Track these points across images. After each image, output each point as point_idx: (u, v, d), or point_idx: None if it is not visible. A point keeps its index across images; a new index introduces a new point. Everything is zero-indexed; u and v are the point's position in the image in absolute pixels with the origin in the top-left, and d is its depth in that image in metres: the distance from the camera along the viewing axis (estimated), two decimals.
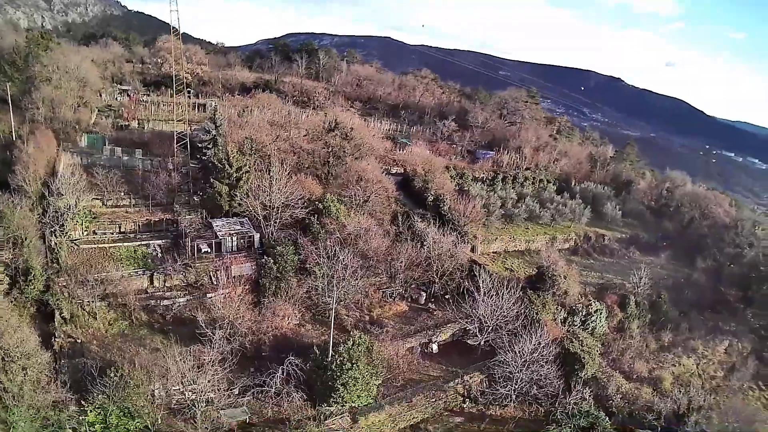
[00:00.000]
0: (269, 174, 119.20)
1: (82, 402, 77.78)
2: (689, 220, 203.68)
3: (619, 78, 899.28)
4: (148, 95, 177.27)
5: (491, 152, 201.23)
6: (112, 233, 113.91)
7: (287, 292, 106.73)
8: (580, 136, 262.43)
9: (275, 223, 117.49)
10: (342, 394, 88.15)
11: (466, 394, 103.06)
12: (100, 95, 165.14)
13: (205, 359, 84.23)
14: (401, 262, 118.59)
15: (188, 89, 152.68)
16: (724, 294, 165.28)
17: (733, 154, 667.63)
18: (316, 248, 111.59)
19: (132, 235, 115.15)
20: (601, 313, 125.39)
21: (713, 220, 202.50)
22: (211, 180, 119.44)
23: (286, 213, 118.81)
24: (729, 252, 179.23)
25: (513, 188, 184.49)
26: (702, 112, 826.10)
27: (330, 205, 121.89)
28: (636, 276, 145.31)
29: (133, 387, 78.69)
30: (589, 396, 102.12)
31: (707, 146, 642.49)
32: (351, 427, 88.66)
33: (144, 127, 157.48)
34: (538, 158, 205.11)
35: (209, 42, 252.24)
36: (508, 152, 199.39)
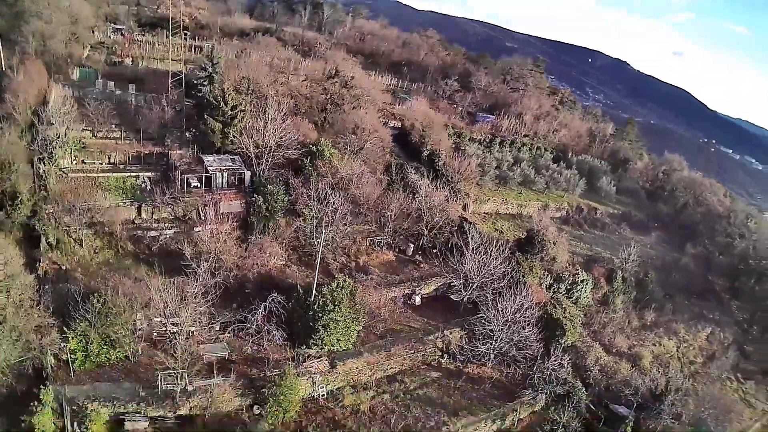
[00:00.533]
0: (264, 114, 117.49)
1: (65, 328, 77.35)
2: (683, 205, 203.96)
3: (625, 61, 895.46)
4: (143, 35, 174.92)
5: (491, 116, 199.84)
6: (102, 164, 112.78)
7: (275, 232, 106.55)
8: (582, 111, 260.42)
9: (267, 162, 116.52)
10: (322, 336, 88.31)
11: (445, 349, 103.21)
12: (93, 32, 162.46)
13: (188, 292, 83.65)
14: (392, 211, 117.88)
15: (185, 31, 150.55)
16: (711, 282, 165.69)
17: (731, 151, 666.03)
18: (306, 190, 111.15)
19: (121, 167, 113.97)
20: (586, 284, 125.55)
21: (707, 207, 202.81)
22: (205, 116, 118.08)
23: (279, 153, 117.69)
24: (720, 241, 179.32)
25: (510, 152, 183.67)
26: (704, 105, 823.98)
27: (324, 149, 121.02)
28: (625, 251, 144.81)
29: (115, 315, 78.48)
30: (568, 364, 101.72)
31: (706, 139, 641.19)
32: (328, 372, 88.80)
33: (138, 65, 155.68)
34: (538, 126, 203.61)
35: None
36: (508, 117, 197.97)
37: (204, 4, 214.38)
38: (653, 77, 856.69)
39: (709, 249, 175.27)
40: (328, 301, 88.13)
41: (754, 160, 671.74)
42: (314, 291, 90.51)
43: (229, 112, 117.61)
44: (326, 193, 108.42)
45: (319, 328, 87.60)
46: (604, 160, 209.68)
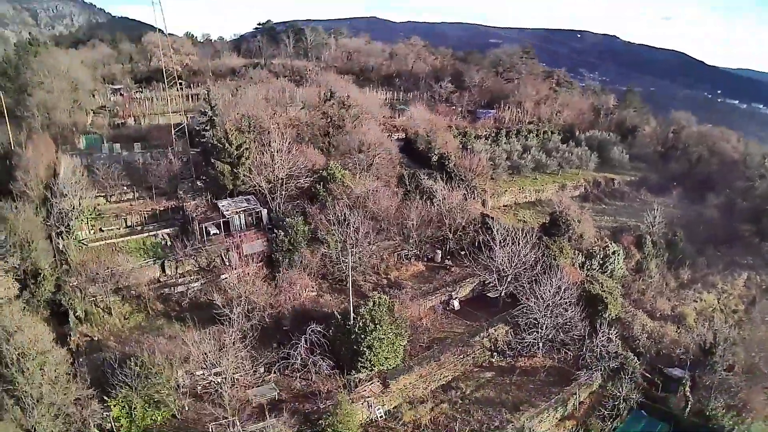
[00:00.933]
0: (270, 147, 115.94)
1: (105, 397, 75.42)
2: (697, 159, 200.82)
3: (614, 36, 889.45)
4: (141, 91, 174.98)
5: (492, 111, 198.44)
6: (119, 228, 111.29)
7: (301, 263, 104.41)
8: (580, 90, 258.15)
9: (281, 195, 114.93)
10: (369, 357, 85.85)
11: (493, 347, 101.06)
12: (93, 96, 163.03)
13: (225, 339, 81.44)
14: (413, 220, 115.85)
15: (179, 80, 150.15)
16: (738, 228, 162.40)
17: (737, 101, 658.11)
18: (325, 216, 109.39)
19: (139, 228, 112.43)
20: (618, 255, 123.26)
21: (721, 156, 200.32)
22: (212, 161, 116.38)
23: (291, 184, 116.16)
24: (739, 186, 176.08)
25: (518, 141, 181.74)
26: (702, 62, 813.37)
27: (335, 172, 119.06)
28: (650, 216, 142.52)
29: (155, 375, 76.50)
30: (616, 337, 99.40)
31: (710, 95, 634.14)
32: (382, 392, 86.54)
33: (141, 123, 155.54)
34: (540, 112, 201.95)
35: (194, 36, 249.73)
36: (509, 108, 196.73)
37: (192, 50, 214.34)
38: (646, 45, 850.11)
39: (730, 196, 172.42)
40: (367, 321, 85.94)
41: (761, 106, 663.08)
42: (352, 314, 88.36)
43: (235, 152, 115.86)
44: (345, 215, 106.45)
45: (364, 350, 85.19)
46: (612, 132, 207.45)
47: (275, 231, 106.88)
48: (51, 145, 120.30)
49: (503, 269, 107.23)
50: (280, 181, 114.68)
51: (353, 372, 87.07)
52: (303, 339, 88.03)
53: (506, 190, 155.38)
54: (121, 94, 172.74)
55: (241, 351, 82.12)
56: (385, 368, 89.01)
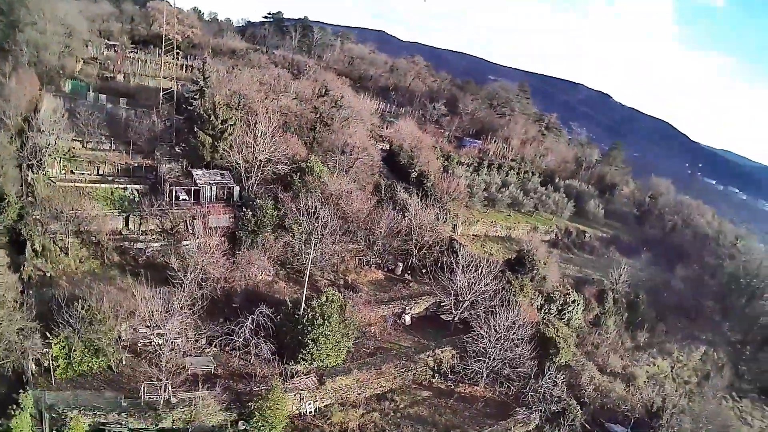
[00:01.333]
0: (255, 128, 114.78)
1: (47, 333, 73.99)
2: (671, 227, 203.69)
3: (607, 94, 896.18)
4: (136, 52, 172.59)
5: (478, 141, 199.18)
6: (90, 174, 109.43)
7: (263, 246, 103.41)
8: (567, 139, 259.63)
9: (256, 177, 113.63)
10: (311, 350, 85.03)
11: (436, 368, 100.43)
12: (87, 47, 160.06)
13: (174, 303, 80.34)
14: (381, 227, 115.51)
15: (177, 50, 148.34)
16: (703, 303, 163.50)
17: (714, 182, 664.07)
18: (296, 205, 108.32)
19: (110, 178, 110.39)
20: (578, 304, 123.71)
21: (695, 229, 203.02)
22: (195, 129, 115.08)
23: (269, 168, 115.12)
24: (709, 262, 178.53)
25: (498, 175, 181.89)
26: (686, 136, 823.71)
27: (314, 166, 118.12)
28: (615, 272, 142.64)
29: (99, 322, 75.31)
30: (562, 382, 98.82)
31: (690, 171, 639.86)
32: (317, 388, 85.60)
33: (130, 81, 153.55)
34: (525, 151, 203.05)
35: (201, 11, 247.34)
36: (495, 141, 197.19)
37: (196, 23, 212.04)
38: (635, 110, 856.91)
39: (698, 271, 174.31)
40: (317, 315, 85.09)
41: (737, 190, 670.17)
42: (303, 305, 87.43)
43: (219, 126, 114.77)
44: (316, 208, 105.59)
45: (309, 342, 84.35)
46: (591, 185, 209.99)
47: (244, 209, 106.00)
48: (36, 82, 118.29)
49: (461, 294, 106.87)
50: (258, 162, 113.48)
51: (292, 362, 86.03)
52: (250, 319, 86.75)
53: (478, 220, 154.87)
54: (115, 51, 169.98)
55: (188, 317, 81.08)
56: (325, 365, 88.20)
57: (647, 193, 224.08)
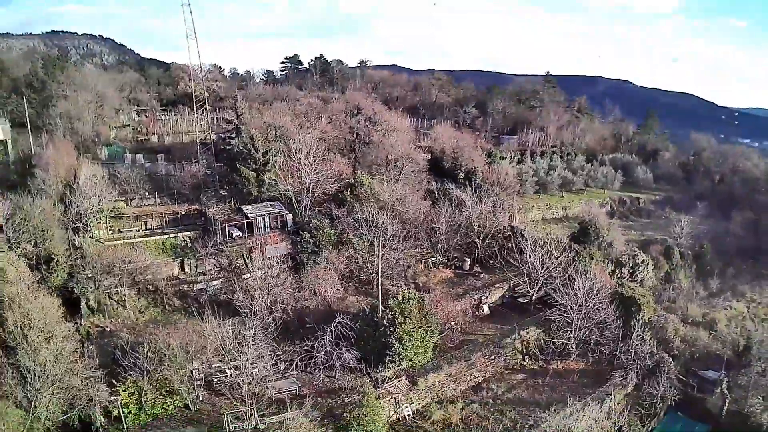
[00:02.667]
0: (297, 154, 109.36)
1: (113, 381, 67.77)
2: (720, 178, 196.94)
3: (627, 80, 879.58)
4: (166, 113, 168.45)
5: (515, 136, 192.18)
6: (138, 230, 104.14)
7: (326, 263, 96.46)
8: (599, 120, 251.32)
9: (307, 200, 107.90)
10: (397, 351, 77.65)
11: (524, 350, 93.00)
12: (118, 114, 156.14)
13: (245, 334, 73.08)
14: (442, 224, 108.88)
15: (205, 104, 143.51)
16: (764, 242, 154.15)
17: (749, 140, 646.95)
18: (353, 219, 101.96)
19: (159, 231, 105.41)
20: (647, 264, 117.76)
21: (744, 174, 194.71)
22: (238, 166, 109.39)
23: (317, 190, 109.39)
24: (763, 202, 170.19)
25: (543, 161, 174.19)
26: (713, 103, 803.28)
27: (362, 180, 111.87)
28: (677, 228, 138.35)
29: (168, 360, 68.62)
30: (650, 339, 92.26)
31: (722, 135, 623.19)
32: (410, 390, 78.12)
33: (164, 140, 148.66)
34: (563, 136, 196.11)
35: (221, 67, 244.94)
36: (532, 132, 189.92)
37: (219, 77, 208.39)
38: (658, 89, 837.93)
39: (755, 212, 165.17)
40: (397, 314, 78.13)
41: None
42: (380, 307, 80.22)
43: (261, 159, 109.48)
44: (373, 216, 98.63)
45: (393, 342, 77.24)
46: (634, 155, 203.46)
47: (300, 233, 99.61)
48: (72, 150, 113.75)
49: (534, 272, 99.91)
50: (306, 186, 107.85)
51: (380, 366, 78.63)
52: (329, 331, 79.42)
53: (533, 206, 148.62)
54: (146, 115, 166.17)
55: (262, 343, 73.87)
56: (414, 363, 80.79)
57: (690, 152, 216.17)
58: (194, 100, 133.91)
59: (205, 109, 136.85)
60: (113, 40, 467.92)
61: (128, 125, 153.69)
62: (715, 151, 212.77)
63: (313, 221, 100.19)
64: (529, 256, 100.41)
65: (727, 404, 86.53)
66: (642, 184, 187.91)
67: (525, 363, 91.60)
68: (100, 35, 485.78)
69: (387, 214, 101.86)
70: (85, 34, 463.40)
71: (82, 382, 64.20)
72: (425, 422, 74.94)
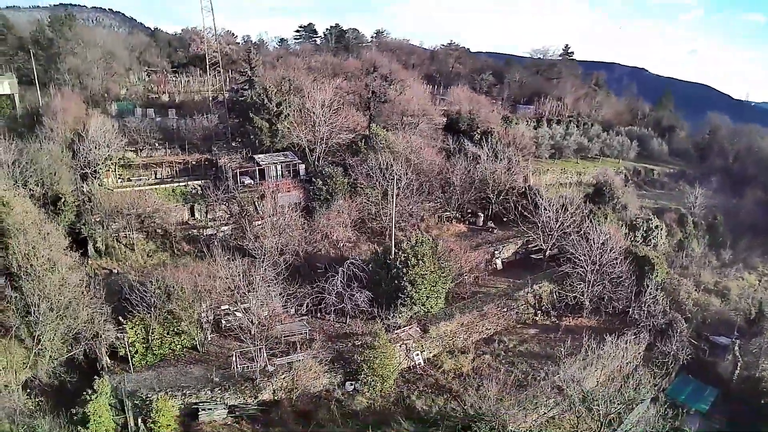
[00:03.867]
0: (312, 106, 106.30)
1: (120, 318, 65.55)
2: (735, 156, 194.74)
3: (643, 68, 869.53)
4: (177, 75, 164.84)
5: (531, 106, 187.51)
6: (148, 179, 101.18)
7: (339, 210, 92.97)
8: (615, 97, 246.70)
9: (321, 149, 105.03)
10: (410, 293, 75.20)
11: (537, 305, 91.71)
12: (128, 72, 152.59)
13: (255, 276, 70.57)
14: (456, 177, 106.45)
15: (217, 66, 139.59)
16: None
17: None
18: (367, 167, 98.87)
19: (169, 180, 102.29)
20: (661, 229, 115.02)
21: (758, 153, 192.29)
22: (251, 116, 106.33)
23: (332, 140, 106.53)
24: None
25: (559, 127, 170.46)
26: (729, 96, 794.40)
27: (377, 131, 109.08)
28: (692, 196, 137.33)
29: (176, 298, 65.99)
30: (662, 299, 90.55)
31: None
32: (422, 338, 76.27)
33: (175, 99, 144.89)
34: (580, 107, 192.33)
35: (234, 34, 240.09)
36: (549, 101, 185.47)
37: (231, 39, 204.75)
38: (673, 78, 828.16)
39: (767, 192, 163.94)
40: (410, 256, 75.66)
41: None
42: (393, 249, 77.36)
43: (275, 109, 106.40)
44: (388, 164, 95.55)
45: (406, 285, 74.83)
46: (650, 128, 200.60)
47: (313, 181, 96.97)
48: (81, 103, 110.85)
49: (549, 228, 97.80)
50: (320, 136, 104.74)
51: (392, 310, 76.28)
52: (340, 272, 77.10)
53: (548, 170, 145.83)
54: (156, 75, 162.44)
55: (272, 286, 71.43)
56: (427, 309, 78.47)
57: (705, 130, 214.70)
58: (207, 61, 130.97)
59: (218, 70, 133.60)
60: (123, 14, 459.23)
61: (138, 84, 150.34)
62: (730, 130, 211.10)
63: (326, 169, 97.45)
64: (544, 210, 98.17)
65: (738, 368, 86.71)
66: (657, 157, 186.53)
67: (537, 318, 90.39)
68: (109, 8, 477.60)
69: (401, 165, 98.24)
70: (94, 7, 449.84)
71: (87, 315, 61.92)
72: (436, 371, 73.21)
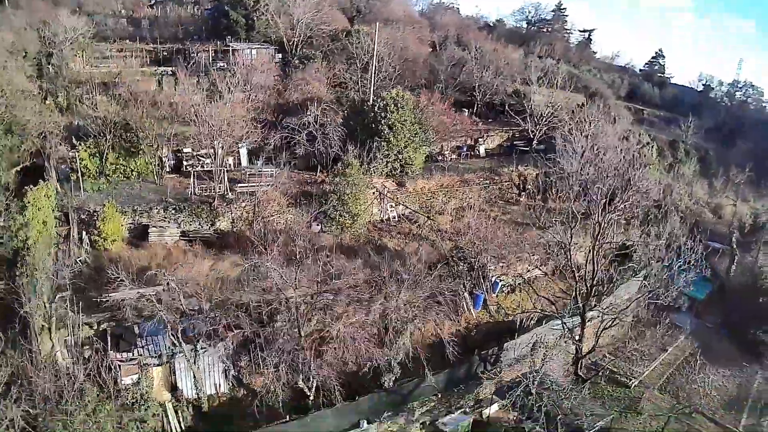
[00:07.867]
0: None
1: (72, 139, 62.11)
2: (727, 111, 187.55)
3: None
4: None
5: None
6: (117, 66, 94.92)
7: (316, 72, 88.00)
8: None
9: (299, 42, 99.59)
10: (387, 137, 69.88)
11: (521, 186, 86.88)
12: None
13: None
14: (442, 65, 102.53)
15: None
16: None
17: None
18: (346, 55, 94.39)
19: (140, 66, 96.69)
20: (652, 147, 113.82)
21: (751, 113, 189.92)
22: (226, 9, 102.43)
23: (312, 33, 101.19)
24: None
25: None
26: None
27: (360, 30, 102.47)
28: (684, 125, 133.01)
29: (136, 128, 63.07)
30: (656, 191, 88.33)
31: None
32: (397, 190, 71.75)
33: None
34: (570, 56, 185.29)
35: None
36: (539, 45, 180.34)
37: None
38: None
39: (759, 144, 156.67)
40: (390, 104, 70.60)
41: None
42: (371, 95, 72.35)
43: (252, 4, 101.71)
44: (369, 44, 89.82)
45: (384, 128, 69.89)
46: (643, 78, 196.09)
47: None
48: None
49: (537, 117, 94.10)
50: (300, 31, 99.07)
51: (367, 158, 69.46)
52: (312, 111, 71.64)
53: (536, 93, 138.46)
54: None
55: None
56: (403, 160, 73.35)
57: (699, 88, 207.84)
58: None
59: None
60: None
61: None
62: (725, 89, 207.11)
63: (304, 51, 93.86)
64: (534, 95, 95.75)
65: (735, 264, 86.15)
66: (648, 101, 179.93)
67: (522, 199, 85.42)
68: None
69: (385, 48, 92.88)
70: None
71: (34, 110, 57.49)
72: (411, 224, 69.17)
